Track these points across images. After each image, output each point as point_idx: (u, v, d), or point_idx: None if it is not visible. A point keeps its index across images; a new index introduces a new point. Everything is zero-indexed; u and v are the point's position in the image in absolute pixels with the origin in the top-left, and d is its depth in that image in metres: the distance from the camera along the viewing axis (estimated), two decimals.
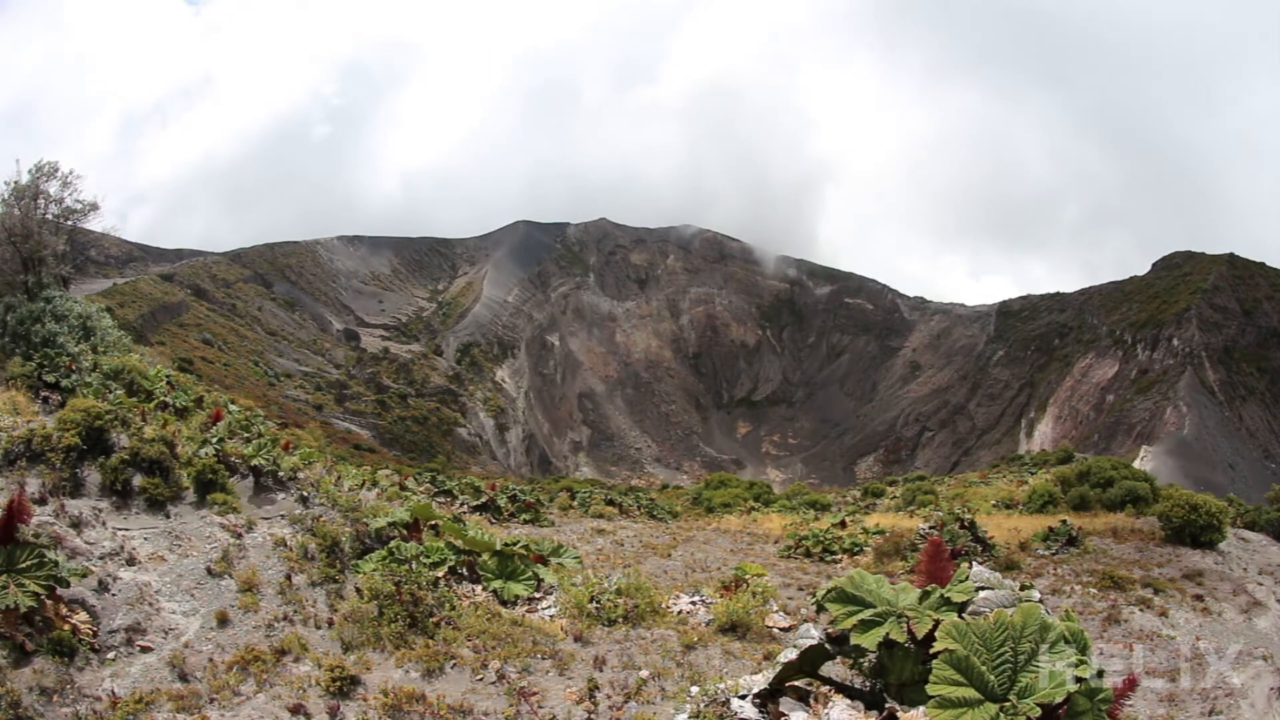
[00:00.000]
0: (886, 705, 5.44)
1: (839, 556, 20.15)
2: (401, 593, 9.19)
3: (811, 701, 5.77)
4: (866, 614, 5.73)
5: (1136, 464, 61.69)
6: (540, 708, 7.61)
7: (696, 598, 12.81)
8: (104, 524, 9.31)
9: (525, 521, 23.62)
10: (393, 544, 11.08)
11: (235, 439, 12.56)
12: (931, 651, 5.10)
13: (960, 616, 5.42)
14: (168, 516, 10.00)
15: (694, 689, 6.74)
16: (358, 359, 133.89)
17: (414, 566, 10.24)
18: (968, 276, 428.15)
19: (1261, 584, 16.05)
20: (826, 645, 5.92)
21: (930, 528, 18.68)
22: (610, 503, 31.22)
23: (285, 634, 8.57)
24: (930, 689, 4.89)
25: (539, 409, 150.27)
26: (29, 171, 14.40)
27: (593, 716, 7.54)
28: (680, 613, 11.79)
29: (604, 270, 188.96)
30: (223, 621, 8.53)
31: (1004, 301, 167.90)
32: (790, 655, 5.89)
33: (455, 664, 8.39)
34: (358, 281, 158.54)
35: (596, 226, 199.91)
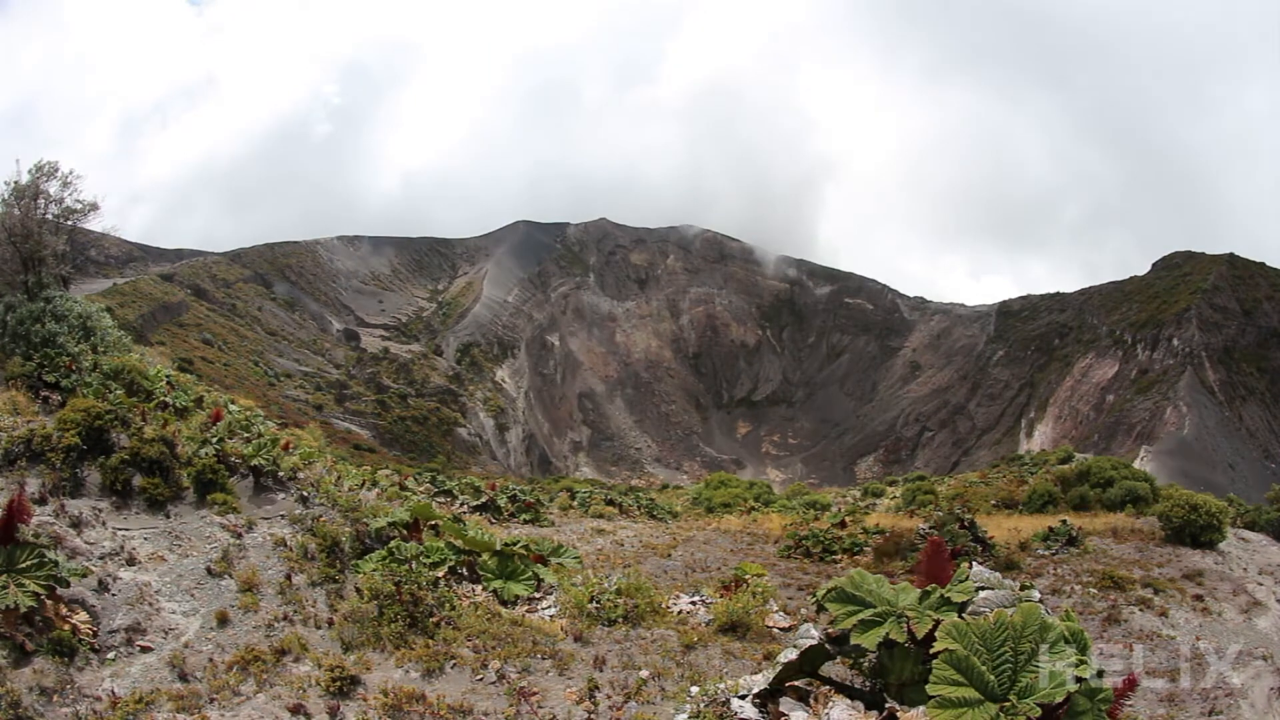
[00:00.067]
0: (886, 705, 5.44)
1: (839, 556, 20.14)
2: (401, 593, 9.19)
3: (812, 701, 5.77)
4: (866, 614, 5.73)
5: (1136, 464, 61.69)
6: (540, 708, 7.61)
7: (696, 598, 12.81)
8: (104, 524, 9.31)
9: (525, 521, 23.62)
10: (393, 544, 11.08)
11: (235, 439, 12.55)
12: (931, 651, 5.10)
13: (960, 616, 5.42)
14: (168, 516, 10.00)
15: (694, 689, 6.74)
16: (358, 359, 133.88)
17: (414, 566, 10.24)
18: (967, 276, 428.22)
19: (1261, 584, 16.06)
20: (826, 645, 5.92)
21: (930, 528, 18.68)
22: (610, 503, 31.21)
23: (285, 634, 8.57)
24: (930, 689, 4.89)
25: (539, 409, 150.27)
26: (29, 171, 14.38)
27: (593, 716, 7.54)
28: (680, 613, 11.79)
29: (604, 270, 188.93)
30: (223, 621, 8.53)
31: (1004, 301, 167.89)
32: (790, 655, 5.89)
33: (455, 664, 8.39)
34: (358, 281, 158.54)
35: (596, 226, 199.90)
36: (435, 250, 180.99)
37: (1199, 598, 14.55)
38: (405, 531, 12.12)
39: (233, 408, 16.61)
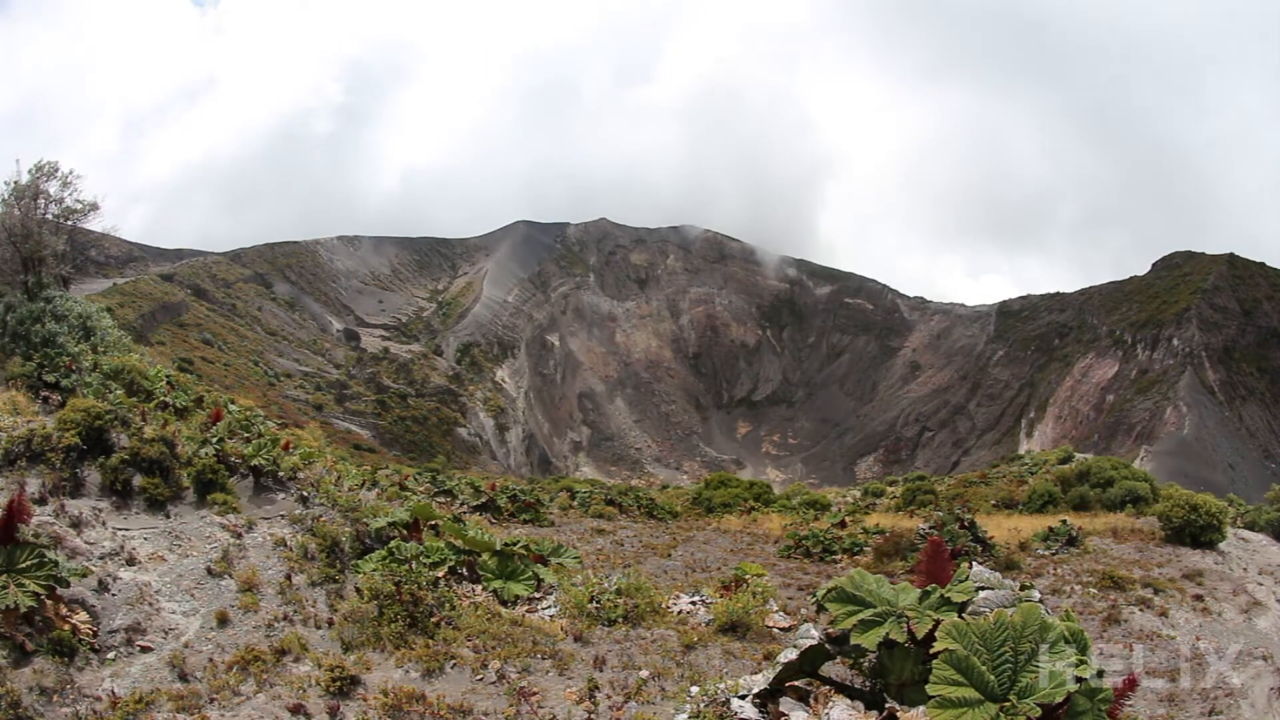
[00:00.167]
0: (886, 705, 5.44)
1: (839, 556, 20.14)
2: (401, 593, 9.19)
3: (812, 701, 5.77)
4: (866, 614, 5.73)
5: (1136, 464, 61.69)
6: (540, 708, 7.61)
7: (696, 598, 12.81)
8: (104, 524, 9.31)
9: (525, 521, 23.62)
10: (393, 544, 11.08)
11: (235, 439, 12.55)
12: (931, 651, 5.10)
13: (960, 616, 5.42)
14: (168, 516, 10.00)
15: (694, 689, 6.74)
16: (358, 359, 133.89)
17: (414, 566, 10.24)
18: (966, 276, 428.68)
19: (1261, 584, 16.06)
20: (826, 645, 5.93)
21: (930, 528, 18.68)
22: (610, 502, 31.20)
23: (285, 634, 8.57)
24: (930, 689, 4.89)
25: (539, 409, 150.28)
26: (29, 171, 14.39)
27: (593, 716, 7.54)
28: (680, 613, 11.79)
29: (604, 270, 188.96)
30: (223, 621, 8.53)
31: (1004, 301, 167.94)
32: (790, 655, 5.89)
33: (455, 664, 8.39)
34: (358, 281, 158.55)
35: (596, 226, 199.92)
36: (435, 250, 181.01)
37: (1199, 598, 14.55)
38: (405, 531, 12.12)
39: (233, 408, 16.62)
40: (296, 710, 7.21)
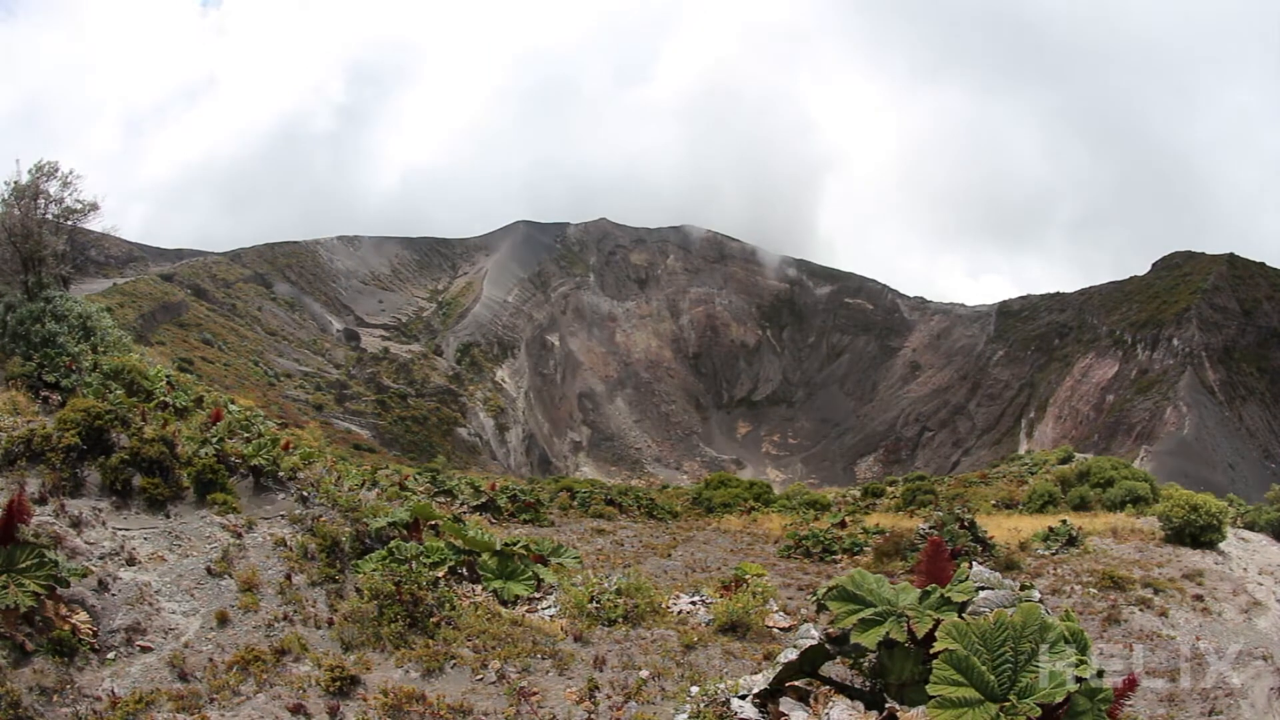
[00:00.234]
0: (886, 705, 5.44)
1: (839, 556, 20.14)
2: (401, 593, 9.19)
3: (812, 701, 5.77)
4: (867, 613, 5.73)
5: (1136, 464, 61.69)
6: (540, 708, 7.61)
7: (696, 598, 12.81)
8: (104, 524, 9.31)
9: (525, 521, 23.62)
10: (393, 544, 11.08)
11: (235, 439, 12.55)
12: (931, 651, 5.10)
13: (960, 616, 5.42)
14: (168, 516, 9.99)
15: (694, 689, 6.74)
16: (358, 359, 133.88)
17: (414, 566, 10.24)
18: (966, 276, 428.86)
19: (1261, 584, 16.05)
20: (826, 645, 5.93)
21: (930, 528, 18.67)
22: (610, 502, 31.21)
23: (285, 634, 8.57)
24: (930, 689, 4.89)
25: (539, 409, 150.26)
26: (29, 171, 14.39)
27: (593, 716, 7.54)
28: (680, 613, 11.79)
29: (604, 270, 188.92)
30: (223, 621, 8.53)
31: (1004, 301, 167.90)
32: (790, 655, 5.89)
33: (455, 664, 8.39)
34: (358, 281, 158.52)
35: (596, 226, 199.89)
36: (435, 250, 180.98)
37: (1199, 598, 14.55)
38: (405, 531, 12.12)
39: (233, 408, 16.62)
40: (296, 710, 7.21)
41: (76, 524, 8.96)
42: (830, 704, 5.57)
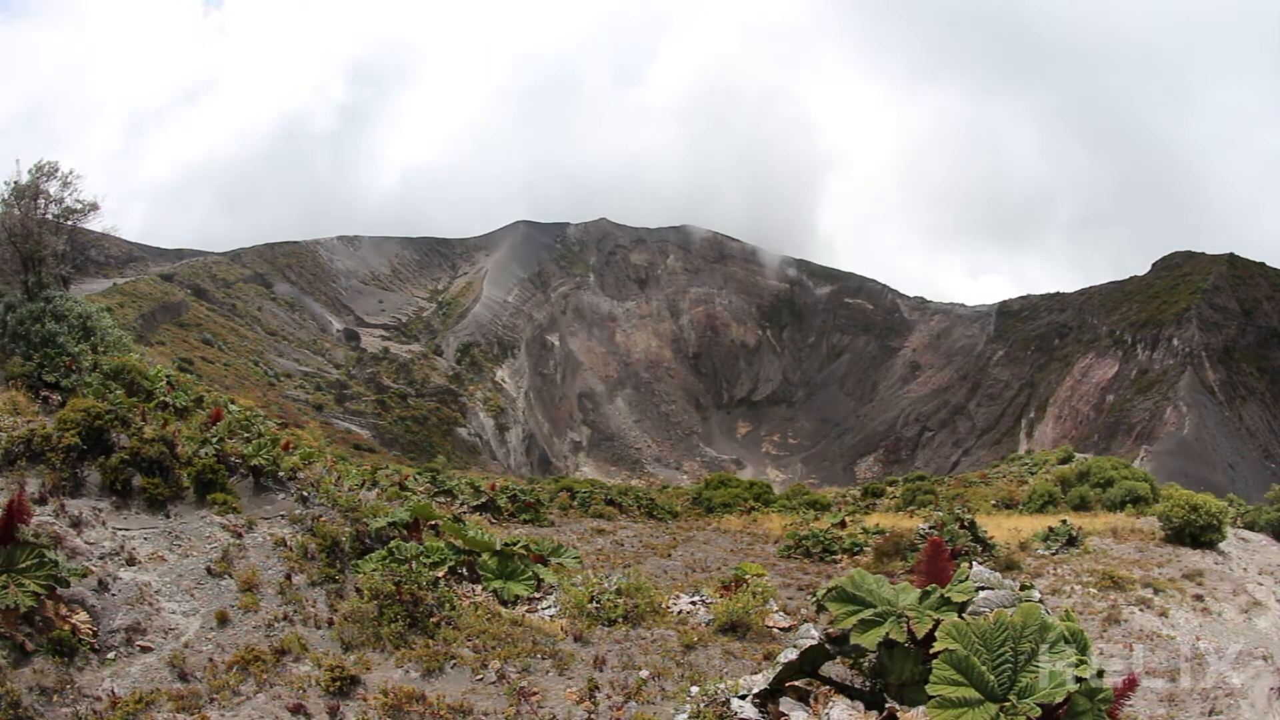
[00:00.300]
0: (886, 705, 5.44)
1: (839, 556, 20.15)
2: (401, 593, 9.19)
3: (812, 701, 5.77)
4: (867, 614, 5.73)
5: (1136, 464, 61.69)
6: (540, 708, 7.62)
7: (696, 598, 12.81)
8: (104, 524, 9.31)
9: (525, 521, 23.62)
10: (393, 544, 11.08)
11: (235, 439, 12.55)
12: (931, 651, 5.10)
13: (960, 616, 5.42)
14: (168, 516, 10.00)
15: (694, 689, 6.75)
16: (358, 359, 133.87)
17: (414, 566, 10.24)
18: (966, 276, 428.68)
19: (1261, 584, 16.05)
20: (826, 645, 5.93)
21: (930, 528, 18.67)
22: (610, 502, 31.22)
23: (285, 634, 8.57)
24: (930, 689, 4.89)
25: (539, 409, 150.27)
26: (29, 171, 14.40)
27: (593, 716, 7.54)
28: (680, 613, 11.79)
29: (604, 270, 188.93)
30: (223, 621, 8.53)
31: (1004, 301, 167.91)
32: (790, 655, 5.90)
33: (455, 664, 8.39)
34: (358, 281, 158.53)
35: (596, 226, 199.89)
36: (435, 250, 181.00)
37: (1199, 598, 14.55)
38: (405, 531, 12.12)
39: (233, 408, 16.62)
40: (296, 710, 7.21)
41: (76, 524, 8.96)
42: (830, 704, 5.57)
